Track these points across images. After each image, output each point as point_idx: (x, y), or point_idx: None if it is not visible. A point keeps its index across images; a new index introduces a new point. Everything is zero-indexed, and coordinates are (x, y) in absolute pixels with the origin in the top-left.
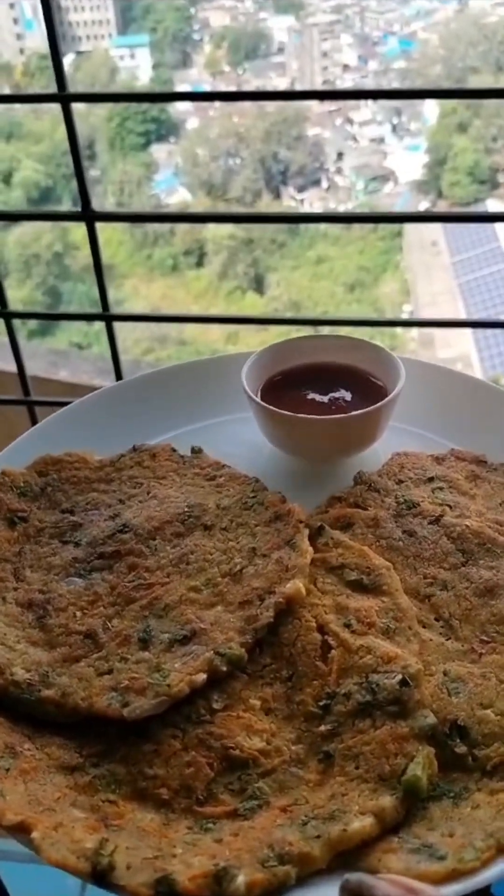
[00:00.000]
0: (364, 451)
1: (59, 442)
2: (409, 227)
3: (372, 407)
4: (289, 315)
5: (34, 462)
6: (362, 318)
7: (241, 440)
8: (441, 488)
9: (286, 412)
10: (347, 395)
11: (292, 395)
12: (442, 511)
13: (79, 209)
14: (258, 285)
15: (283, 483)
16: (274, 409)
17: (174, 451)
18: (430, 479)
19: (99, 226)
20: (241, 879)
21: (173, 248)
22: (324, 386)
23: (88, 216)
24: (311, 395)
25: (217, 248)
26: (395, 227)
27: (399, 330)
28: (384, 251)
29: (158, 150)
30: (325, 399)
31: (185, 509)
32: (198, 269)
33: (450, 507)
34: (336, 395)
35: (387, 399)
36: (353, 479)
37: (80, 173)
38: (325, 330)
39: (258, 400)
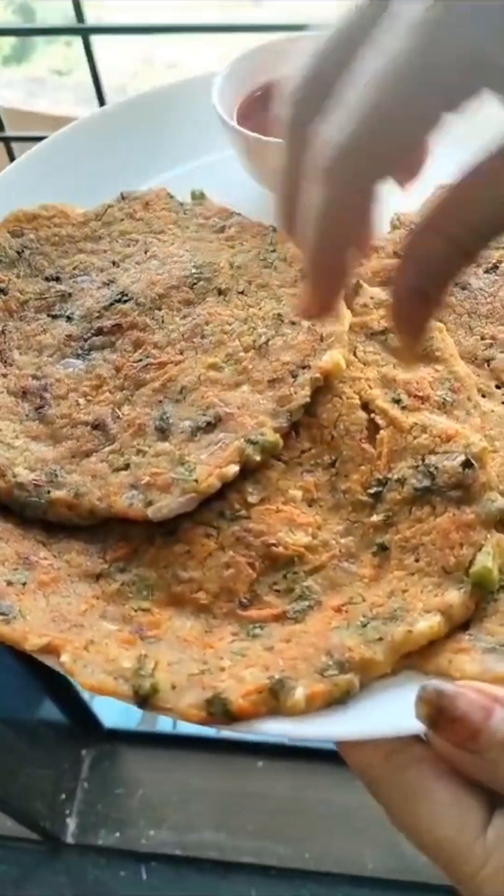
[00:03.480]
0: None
1: (30, 194)
2: None
3: None
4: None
5: (4, 220)
6: None
7: (251, 180)
8: None
9: (269, 138)
10: None
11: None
12: (499, 257)
13: None
14: None
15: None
16: (254, 134)
17: (171, 197)
18: None
19: None
20: (299, 692)
21: None
22: None
23: None
24: None
25: None
26: None
27: None
28: None
29: None
30: None
31: (193, 271)
32: None
33: None
34: None
35: None
36: (390, 224)
37: None
38: None
39: (233, 123)
